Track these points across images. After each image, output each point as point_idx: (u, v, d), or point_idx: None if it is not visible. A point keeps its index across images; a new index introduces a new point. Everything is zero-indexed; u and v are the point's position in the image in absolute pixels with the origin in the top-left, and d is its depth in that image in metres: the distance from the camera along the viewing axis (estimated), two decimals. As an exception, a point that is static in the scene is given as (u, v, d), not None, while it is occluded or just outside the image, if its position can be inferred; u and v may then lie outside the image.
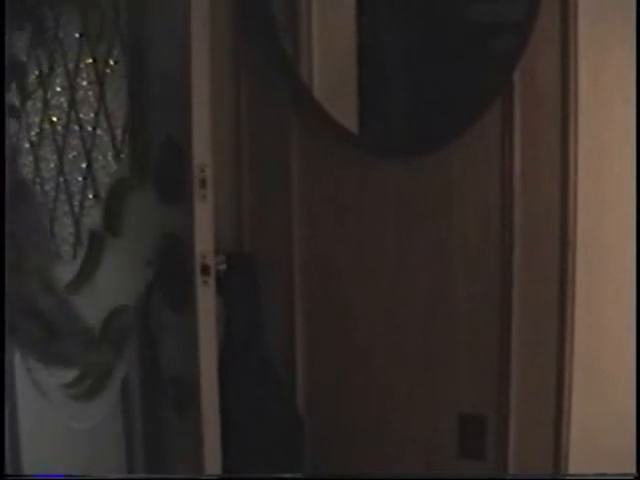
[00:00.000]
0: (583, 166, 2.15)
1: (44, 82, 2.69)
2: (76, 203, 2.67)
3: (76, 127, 2.62)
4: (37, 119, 2.74)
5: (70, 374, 2.52)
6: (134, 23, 2.22)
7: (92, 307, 2.42)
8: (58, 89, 2.68)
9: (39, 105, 2.73)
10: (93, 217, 2.51)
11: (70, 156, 2.67)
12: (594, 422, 2.22)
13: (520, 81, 2.15)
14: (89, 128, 2.56)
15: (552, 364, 2.20)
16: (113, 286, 2.39)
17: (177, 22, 2.03)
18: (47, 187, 2.76)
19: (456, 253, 2.25)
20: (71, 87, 2.61)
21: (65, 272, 2.52)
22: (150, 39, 2.18)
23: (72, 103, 2.61)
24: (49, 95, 2.70)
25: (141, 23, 2.19)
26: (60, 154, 2.70)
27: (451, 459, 2.31)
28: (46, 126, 2.72)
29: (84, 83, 2.59)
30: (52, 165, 2.74)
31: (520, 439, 2.25)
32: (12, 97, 2.61)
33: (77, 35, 2.56)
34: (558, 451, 2.22)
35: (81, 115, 2.60)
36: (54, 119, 2.70)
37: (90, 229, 2.49)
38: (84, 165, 2.61)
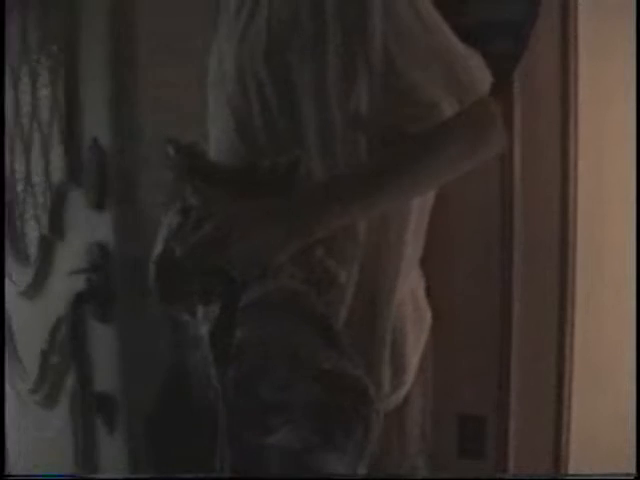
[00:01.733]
0: (583, 166, 2.16)
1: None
2: (39, 204, 2.63)
3: (36, 125, 2.59)
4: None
5: (31, 377, 2.51)
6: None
7: (42, 313, 2.41)
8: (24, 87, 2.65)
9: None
10: (42, 220, 2.50)
11: (32, 156, 2.65)
12: (594, 422, 2.22)
13: (520, 81, 2.15)
14: (46, 129, 2.53)
15: (552, 364, 2.20)
16: (60, 293, 2.35)
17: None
18: (18, 188, 2.73)
19: (456, 253, 2.25)
20: (34, 85, 2.59)
21: (28, 274, 2.51)
22: (80, 38, 2.17)
23: (35, 103, 2.59)
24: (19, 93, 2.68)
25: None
26: (27, 154, 2.67)
27: (451, 459, 2.31)
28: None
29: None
30: (22, 166, 2.71)
31: (520, 439, 2.25)
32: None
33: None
34: (558, 451, 2.22)
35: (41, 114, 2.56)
36: (23, 120, 2.67)
37: (41, 233, 2.48)
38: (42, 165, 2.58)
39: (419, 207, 1.57)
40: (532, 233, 2.19)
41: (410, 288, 1.57)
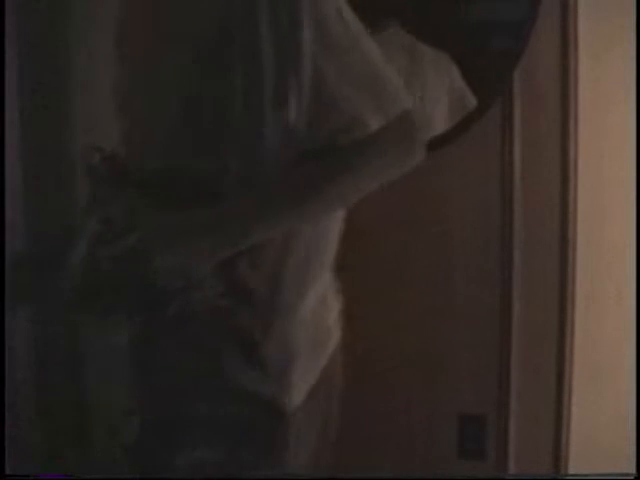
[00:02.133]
0: (583, 166, 2.16)
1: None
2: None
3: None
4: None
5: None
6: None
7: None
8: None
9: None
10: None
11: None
12: (594, 422, 2.22)
13: (520, 81, 2.15)
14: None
15: (552, 364, 2.21)
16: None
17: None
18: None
19: (456, 253, 2.25)
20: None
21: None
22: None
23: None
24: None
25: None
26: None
27: (451, 459, 2.31)
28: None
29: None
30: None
31: (520, 439, 2.25)
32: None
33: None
34: (558, 451, 2.22)
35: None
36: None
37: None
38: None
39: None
40: (532, 233, 2.19)
41: (312, 308, 1.51)
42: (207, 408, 1.37)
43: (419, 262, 2.29)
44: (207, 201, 1.36)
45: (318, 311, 1.52)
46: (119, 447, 1.43)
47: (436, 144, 2.25)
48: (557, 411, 2.21)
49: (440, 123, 2.26)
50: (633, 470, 1.75)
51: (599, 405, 2.21)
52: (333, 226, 1.53)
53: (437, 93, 2.28)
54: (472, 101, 2.22)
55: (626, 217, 2.10)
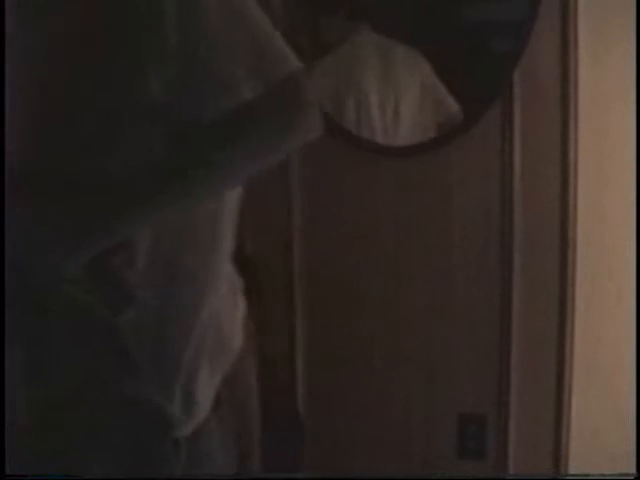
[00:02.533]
0: (583, 166, 2.16)
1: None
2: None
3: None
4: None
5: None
6: None
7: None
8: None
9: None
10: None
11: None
12: (594, 422, 2.22)
13: (520, 81, 2.15)
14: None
15: (552, 364, 2.21)
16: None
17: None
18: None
19: (456, 253, 2.25)
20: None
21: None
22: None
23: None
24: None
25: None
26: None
27: (451, 459, 2.31)
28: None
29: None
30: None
31: (520, 439, 2.25)
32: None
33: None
34: (558, 451, 2.22)
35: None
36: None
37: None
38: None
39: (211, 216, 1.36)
40: (532, 233, 2.19)
41: (216, 310, 1.36)
42: (95, 415, 1.24)
43: (419, 262, 2.29)
44: (68, 193, 1.22)
45: (219, 311, 1.37)
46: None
47: (436, 144, 2.26)
48: (557, 411, 2.21)
49: (409, 119, 2.29)
50: (633, 470, 1.75)
51: (599, 405, 2.21)
52: (225, 218, 1.36)
53: (408, 90, 2.29)
54: (445, 96, 2.23)
55: (626, 217, 2.11)
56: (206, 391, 1.35)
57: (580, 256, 2.17)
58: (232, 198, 1.37)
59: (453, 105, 2.24)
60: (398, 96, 2.30)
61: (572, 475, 2.23)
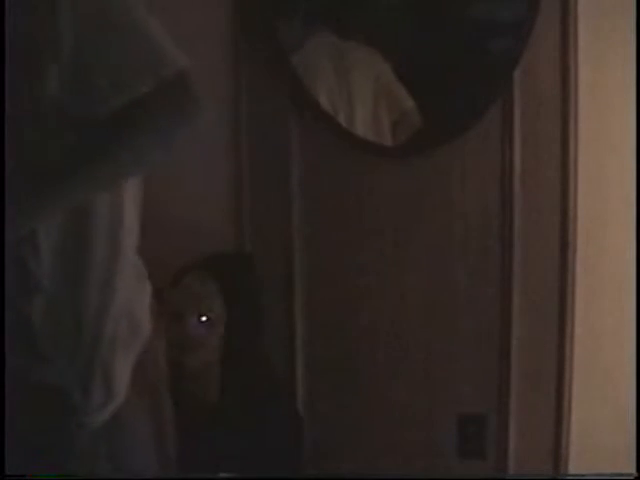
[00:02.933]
0: (583, 166, 2.16)
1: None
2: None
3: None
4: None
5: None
6: None
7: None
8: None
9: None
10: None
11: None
12: (594, 422, 2.22)
13: (520, 81, 2.15)
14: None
15: (552, 364, 2.21)
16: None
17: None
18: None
19: (456, 253, 2.25)
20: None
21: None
22: None
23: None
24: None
25: None
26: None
27: (451, 459, 2.31)
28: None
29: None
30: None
31: (520, 439, 2.25)
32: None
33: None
34: (558, 451, 2.22)
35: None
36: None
37: None
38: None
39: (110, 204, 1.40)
40: (532, 233, 2.19)
41: (127, 297, 1.42)
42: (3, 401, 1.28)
43: (419, 262, 2.29)
44: None
45: (130, 298, 1.43)
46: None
47: (436, 144, 2.26)
48: (557, 411, 2.21)
49: (363, 118, 2.30)
50: (633, 470, 1.75)
51: (599, 405, 2.21)
52: (126, 208, 1.40)
53: (361, 89, 2.31)
54: (400, 94, 2.25)
55: (626, 217, 2.11)
56: (122, 376, 1.40)
57: (580, 256, 2.17)
58: (132, 187, 1.41)
59: (407, 100, 2.25)
60: (351, 97, 2.31)
61: (572, 475, 2.23)
